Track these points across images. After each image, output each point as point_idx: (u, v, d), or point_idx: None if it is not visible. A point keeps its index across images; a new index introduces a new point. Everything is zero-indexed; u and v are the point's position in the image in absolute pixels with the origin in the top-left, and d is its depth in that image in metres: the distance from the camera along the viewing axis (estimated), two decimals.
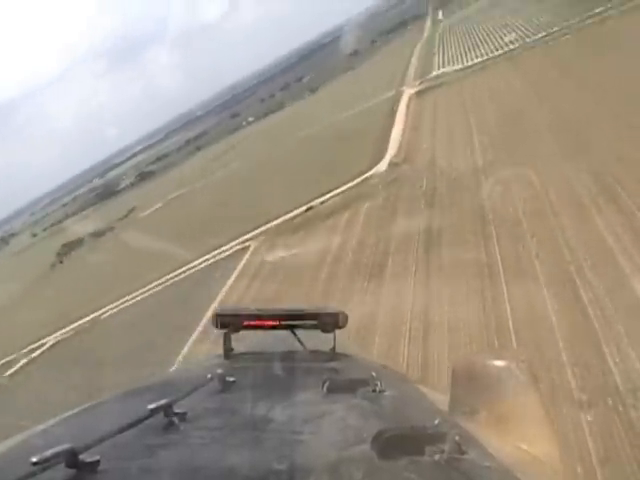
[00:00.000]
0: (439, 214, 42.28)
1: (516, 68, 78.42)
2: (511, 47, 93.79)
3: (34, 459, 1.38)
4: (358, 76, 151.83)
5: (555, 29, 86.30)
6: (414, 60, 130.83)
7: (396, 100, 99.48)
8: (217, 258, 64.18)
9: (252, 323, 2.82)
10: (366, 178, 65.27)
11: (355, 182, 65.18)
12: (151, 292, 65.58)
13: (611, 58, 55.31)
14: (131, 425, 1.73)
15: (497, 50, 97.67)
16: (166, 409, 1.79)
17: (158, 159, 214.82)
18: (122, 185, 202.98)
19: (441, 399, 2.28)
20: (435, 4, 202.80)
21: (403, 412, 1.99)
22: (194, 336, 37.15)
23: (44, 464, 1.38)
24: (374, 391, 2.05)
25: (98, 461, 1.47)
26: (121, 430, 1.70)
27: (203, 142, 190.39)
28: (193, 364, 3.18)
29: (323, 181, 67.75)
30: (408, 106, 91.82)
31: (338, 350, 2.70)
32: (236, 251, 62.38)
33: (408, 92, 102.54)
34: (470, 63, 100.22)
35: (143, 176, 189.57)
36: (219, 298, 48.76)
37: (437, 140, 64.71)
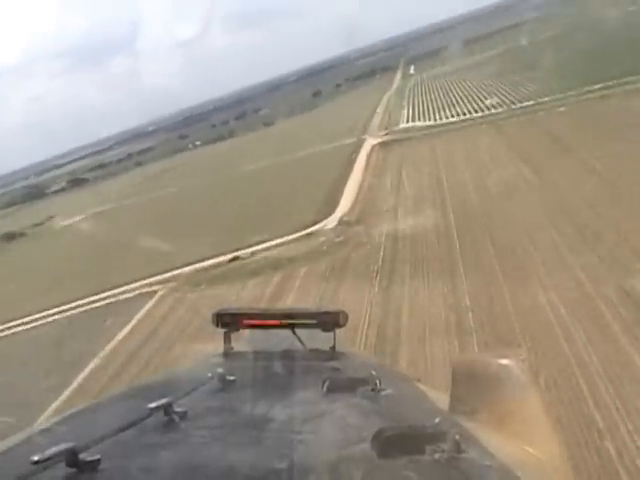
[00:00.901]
0: (396, 301, 30.70)
1: (499, 134, 66.61)
2: (493, 111, 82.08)
3: (35, 458, 1.38)
4: (318, 116, 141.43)
5: (546, 99, 74.97)
6: (380, 109, 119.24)
7: (356, 148, 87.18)
8: (115, 299, 52.39)
9: (252, 322, 2.77)
10: (310, 234, 53.01)
11: (296, 236, 53.21)
12: (20, 328, 52.49)
13: (617, 145, 43.31)
14: (131, 424, 1.74)
15: (476, 112, 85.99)
16: (166, 408, 1.76)
17: (96, 167, 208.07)
18: (52, 188, 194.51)
19: (441, 398, 2.21)
20: (407, 60, 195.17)
21: (403, 411, 1.96)
22: None
23: (45, 463, 1.39)
24: (374, 390, 2.01)
25: (98, 460, 1.46)
26: (121, 429, 1.70)
27: (145, 158, 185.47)
28: (193, 363, 2.98)
29: (260, 227, 56.79)
30: (369, 157, 79.00)
31: (338, 349, 2.63)
32: (140, 295, 51.12)
33: (371, 142, 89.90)
34: (445, 121, 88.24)
35: (76, 182, 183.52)
36: (91, 365, 37.06)
37: (401, 204, 52.51)
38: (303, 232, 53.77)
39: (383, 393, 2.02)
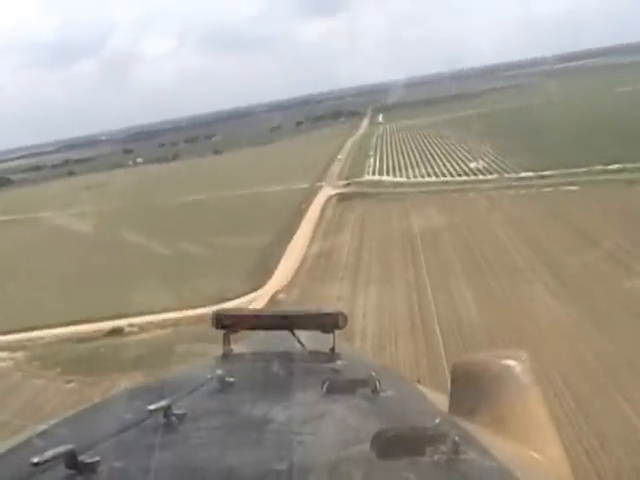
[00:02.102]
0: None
1: (492, 209, 50.12)
2: (480, 177, 65.94)
3: (34, 460, 1.36)
4: (271, 152, 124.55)
5: (550, 173, 59.27)
6: (342, 155, 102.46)
7: (308, 197, 69.92)
8: None
9: (251, 324, 2.77)
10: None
11: (206, 310, 35.17)
12: None
13: None
14: (131, 426, 1.72)
15: (459, 175, 69.73)
16: (166, 410, 1.75)
17: (28, 170, 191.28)
18: None
19: (441, 399, 2.22)
20: (376, 107, 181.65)
21: (402, 412, 1.95)
22: None
23: (44, 465, 1.37)
24: (373, 391, 2.00)
25: (98, 462, 1.45)
26: (121, 431, 1.69)
27: (80, 168, 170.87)
28: (193, 365, 2.99)
29: (165, 290, 39.64)
30: (323, 212, 61.53)
31: (337, 350, 2.61)
32: None
33: (327, 191, 72.72)
34: (420, 180, 71.53)
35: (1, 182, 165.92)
36: None
37: (360, 284, 38.71)
38: (219, 305, 36.66)
39: (383, 394, 1.99)
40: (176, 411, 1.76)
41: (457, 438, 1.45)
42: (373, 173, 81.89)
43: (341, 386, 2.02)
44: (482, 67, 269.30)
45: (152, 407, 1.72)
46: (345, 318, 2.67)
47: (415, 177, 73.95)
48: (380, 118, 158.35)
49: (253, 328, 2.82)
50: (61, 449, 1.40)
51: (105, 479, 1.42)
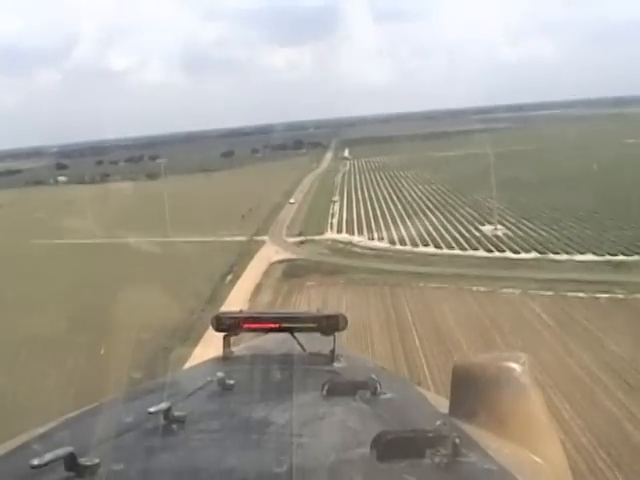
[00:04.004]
0: None
1: (566, 336, 24.30)
2: (511, 255, 40.76)
3: (34, 462, 1.33)
4: (215, 183, 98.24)
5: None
6: (298, 196, 75.98)
7: (240, 261, 47.51)
8: None
9: (252, 326, 2.67)
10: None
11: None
12: None
13: None
14: (131, 428, 1.68)
15: (472, 247, 44.26)
16: (166, 412, 1.70)
17: None
18: None
19: (441, 401, 2.17)
20: (341, 141, 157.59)
21: (403, 414, 1.90)
22: None
23: (44, 467, 1.34)
24: (373, 394, 1.95)
25: (98, 464, 1.41)
26: (121, 433, 1.66)
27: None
28: (193, 367, 2.89)
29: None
30: (255, 298, 35.17)
31: (338, 352, 2.54)
32: None
33: (270, 254, 46.91)
34: (411, 249, 45.67)
35: None
36: None
37: None
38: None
39: (383, 396, 1.95)
40: (176, 413, 1.71)
41: (457, 440, 1.43)
42: (339, 229, 56.14)
43: (341, 388, 1.96)
44: (452, 109, 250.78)
45: (152, 409, 1.66)
46: (345, 320, 2.60)
47: (403, 242, 48.15)
48: (346, 153, 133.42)
49: (253, 330, 2.72)
50: (61, 451, 1.37)
51: None
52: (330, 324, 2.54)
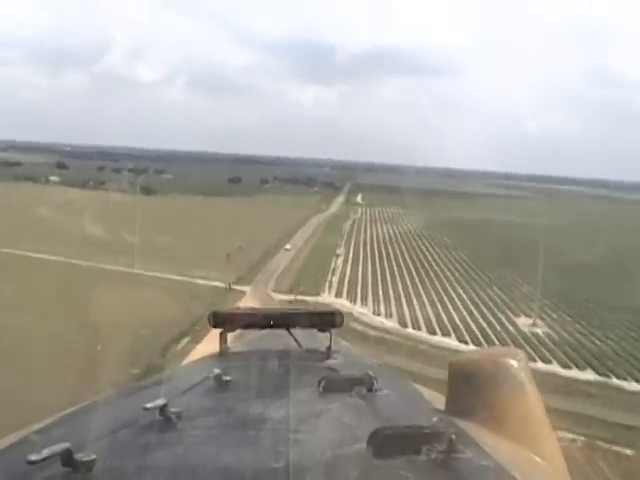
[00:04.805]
0: None
1: None
2: (557, 370, 29.72)
3: (30, 458, 1.32)
4: (211, 209, 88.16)
5: None
6: (296, 241, 65.11)
7: (221, 304, 32.01)
8: None
9: (248, 322, 2.68)
10: None
11: None
12: None
13: None
14: (127, 424, 1.66)
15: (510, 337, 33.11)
16: (162, 408, 1.67)
17: None
18: None
19: (437, 397, 2.13)
20: (355, 185, 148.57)
21: (399, 411, 1.88)
22: None
23: (40, 463, 1.33)
24: (370, 390, 1.93)
25: (94, 460, 1.39)
26: (117, 429, 1.63)
27: None
28: (189, 363, 2.93)
29: None
30: None
31: (334, 349, 2.52)
32: None
33: (252, 304, 33.65)
34: (428, 337, 34.81)
35: None
36: None
37: None
38: None
39: (379, 393, 1.92)
40: (173, 409, 1.67)
41: (453, 436, 1.41)
42: (338, 292, 45.38)
43: (338, 384, 1.93)
44: (470, 170, 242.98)
45: (149, 405, 1.63)
46: (342, 316, 2.62)
47: (416, 325, 37.15)
48: (359, 198, 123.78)
49: (250, 327, 2.71)
50: (57, 447, 1.35)
51: (101, 477, 1.38)
52: (326, 321, 2.54)
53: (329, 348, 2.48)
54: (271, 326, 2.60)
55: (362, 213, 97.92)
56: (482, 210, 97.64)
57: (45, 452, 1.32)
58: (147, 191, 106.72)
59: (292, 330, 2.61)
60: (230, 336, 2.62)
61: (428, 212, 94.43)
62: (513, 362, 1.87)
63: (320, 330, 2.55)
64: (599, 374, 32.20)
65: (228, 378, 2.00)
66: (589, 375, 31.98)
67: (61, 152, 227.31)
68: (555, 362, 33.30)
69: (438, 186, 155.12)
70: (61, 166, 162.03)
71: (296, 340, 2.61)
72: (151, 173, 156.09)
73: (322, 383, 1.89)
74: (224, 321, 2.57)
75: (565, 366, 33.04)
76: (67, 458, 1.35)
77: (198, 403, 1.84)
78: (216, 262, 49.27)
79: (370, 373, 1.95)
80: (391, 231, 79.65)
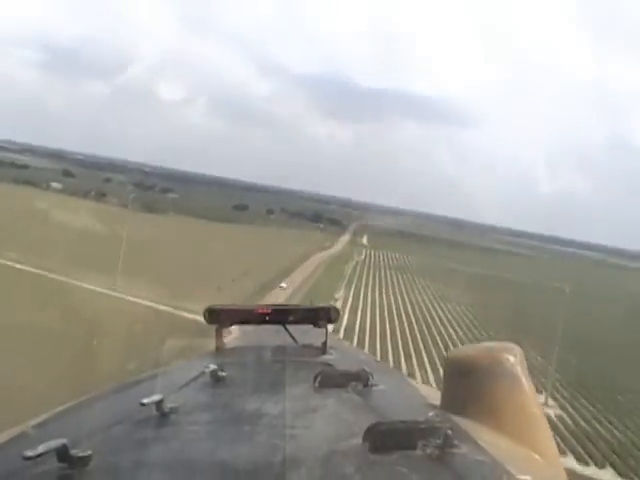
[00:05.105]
0: None
1: None
2: (571, 465, 25.51)
3: (26, 453, 1.32)
4: (205, 236, 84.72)
5: None
6: (298, 276, 61.60)
7: (197, 348, 25.81)
8: None
9: (244, 318, 2.72)
10: None
11: None
12: None
13: None
14: (123, 420, 1.68)
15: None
16: (158, 404, 1.69)
17: None
18: None
19: (433, 393, 2.18)
20: (362, 225, 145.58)
21: (395, 406, 1.90)
22: None
23: (37, 458, 1.33)
24: (366, 385, 1.95)
25: (90, 455, 1.39)
26: (113, 425, 1.65)
27: None
28: (185, 359, 2.85)
29: None
30: None
31: (330, 344, 2.54)
32: None
33: None
34: None
35: None
36: None
37: None
38: None
39: (375, 388, 1.93)
40: (169, 405, 1.69)
41: (449, 431, 1.42)
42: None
43: (333, 380, 1.94)
44: (480, 223, 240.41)
45: (145, 401, 1.64)
46: (337, 312, 2.63)
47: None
48: (365, 240, 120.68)
49: (246, 323, 2.75)
50: (53, 443, 1.35)
51: (97, 473, 1.37)
52: (322, 316, 2.54)
53: (325, 343, 2.46)
54: (267, 322, 2.60)
55: (366, 255, 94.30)
56: (490, 265, 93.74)
57: (41, 448, 1.31)
58: (148, 209, 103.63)
59: (288, 326, 2.63)
60: (226, 332, 2.60)
61: (435, 261, 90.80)
62: (509, 357, 1.85)
63: (316, 326, 2.53)
64: (620, 475, 28.05)
65: (224, 374, 2.00)
66: (609, 475, 27.85)
67: (71, 160, 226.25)
68: (569, 454, 29.18)
69: (447, 235, 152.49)
70: (67, 174, 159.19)
71: (292, 336, 2.63)
72: (157, 191, 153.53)
73: (318, 378, 1.89)
74: (220, 317, 2.55)
75: (581, 460, 28.87)
76: (63, 454, 1.34)
77: (194, 399, 1.84)
78: (204, 293, 45.47)
79: (366, 368, 1.95)
80: (394, 279, 75.95)
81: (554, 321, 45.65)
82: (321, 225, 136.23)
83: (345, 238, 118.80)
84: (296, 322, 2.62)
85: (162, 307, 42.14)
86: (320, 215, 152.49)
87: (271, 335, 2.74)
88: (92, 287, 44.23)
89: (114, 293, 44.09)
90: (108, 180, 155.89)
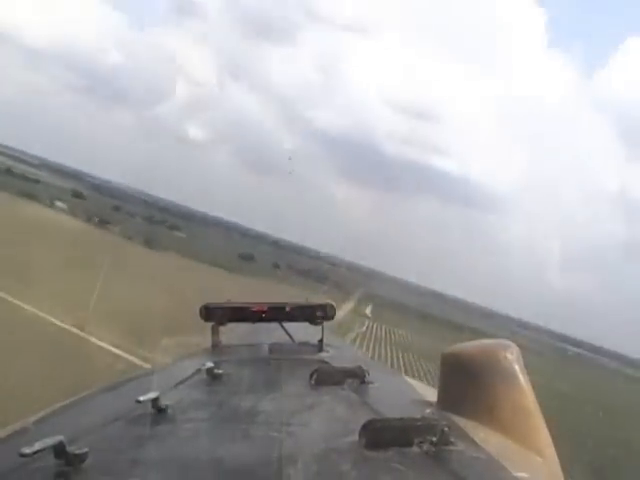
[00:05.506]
0: None
1: None
2: None
3: (23, 451, 1.32)
4: (209, 285, 77.64)
5: None
6: None
7: None
8: None
9: (240, 315, 2.72)
10: None
11: None
12: None
13: None
14: (120, 417, 1.68)
15: None
16: (154, 401, 1.70)
17: None
18: None
19: (429, 390, 2.16)
20: (368, 294, 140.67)
21: (391, 403, 1.90)
22: None
23: (33, 456, 1.33)
24: (362, 383, 1.97)
25: (87, 453, 1.39)
26: (109, 422, 1.65)
27: None
28: (182, 357, 2.86)
29: None
30: None
31: (326, 342, 2.56)
32: None
33: None
34: None
35: None
36: None
37: None
38: None
39: (371, 386, 1.96)
40: (165, 402, 1.70)
41: (445, 429, 1.41)
42: None
43: (330, 377, 1.96)
44: (489, 309, 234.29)
45: (141, 398, 1.65)
46: (334, 309, 2.65)
47: None
48: (368, 310, 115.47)
49: (242, 320, 2.74)
50: (50, 440, 1.35)
51: (94, 470, 1.38)
52: (318, 314, 2.59)
53: (321, 341, 2.55)
54: (263, 319, 2.65)
55: (368, 328, 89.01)
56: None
57: (38, 445, 1.31)
58: (149, 244, 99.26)
59: (284, 323, 2.66)
60: (222, 329, 2.56)
61: (439, 344, 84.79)
62: (506, 354, 1.84)
63: (312, 323, 2.59)
64: None
65: (220, 371, 2.05)
66: None
67: (86, 182, 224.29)
68: None
69: (452, 317, 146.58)
70: (77, 195, 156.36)
71: (288, 333, 2.70)
72: (165, 226, 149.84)
73: (314, 376, 1.94)
74: (216, 314, 2.61)
75: None
76: (60, 451, 1.34)
77: (190, 396, 1.87)
78: (184, 349, 39.97)
79: (362, 366, 2.00)
80: (394, 357, 70.27)
81: (560, 429, 39.55)
82: (325, 288, 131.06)
83: (348, 306, 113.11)
84: (292, 319, 2.64)
85: (129, 356, 36.74)
86: (326, 277, 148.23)
87: (268, 332, 2.72)
88: (57, 321, 39.08)
89: (77, 332, 38.83)
90: (117, 208, 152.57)
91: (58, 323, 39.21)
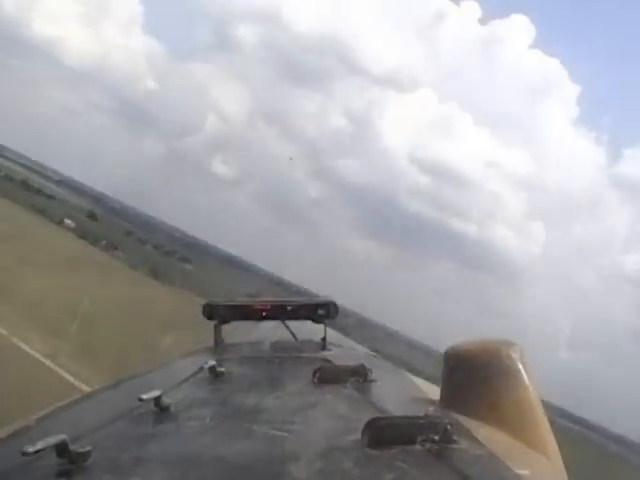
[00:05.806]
0: None
1: None
2: None
3: (26, 449, 1.30)
4: (207, 328, 70.62)
5: None
6: None
7: None
8: None
9: (242, 313, 2.75)
10: None
11: None
12: None
13: None
14: (122, 416, 1.68)
15: None
16: (157, 399, 1.68)
17: None
18: None
19: (433, 388, 2.14)
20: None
21: (394, 401, 1.89)
22: None
23: (35, 455, 1.31)
24: (365, 381, 1.95)
25: (89, 451, 1.38)
26: (112, 420, 1.65)
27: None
28: (184, 355, 2.84)
29: None
30: None
31: (329, 340, 2.60)
32: None
33: None
34: None
35: None
36: None
37: None
38: None
39: (374, 384, 1.93)
40: (167, 401, 1.70)
41: (448, 427, 1.40)
42: None
43: (333, 376, 1.96)
44: None
45: (144, 397, 1.64)
46: (336, 307, 2.63)
47: None
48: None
49: (245, 318, 2.75)
50: (52, 439, 1.33)
51: (97, 468, 1.36)
52: (321, 312, 2.57)
53: (324, 339, 2.51)
54: (265, 317, 2.63)
55: None
56: None
57: (40, 443, 1.31)
58: (154, 275, 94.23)
59: (287, 321, 2.66)
60: (225, 327, 2.61)
61: None
62: (510, 352, 1.82)
63: (315, 321, 2.56)
64: None
65: (223, 369, 2.02)
66: None
67: (104, 205, 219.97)
68: None
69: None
70: (90, 215, 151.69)
71: (291, 331, 2.67)
72: (175, 258, 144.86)
73: (317, 374, 1.91)
74: (218, 312, 2.59)
75: None
76: (62, 450, 1.34)
77: (193, 395, 1.86)
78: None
79: (365, 364, 1.96)
80: None
81: None
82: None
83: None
84: (295, 318, 2.61)
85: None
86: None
87: (270, 330, 2.71)
88: (35, 347, 33.69)
89: (51, 363, 33.55)
90: (129, 234, 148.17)
91: None
